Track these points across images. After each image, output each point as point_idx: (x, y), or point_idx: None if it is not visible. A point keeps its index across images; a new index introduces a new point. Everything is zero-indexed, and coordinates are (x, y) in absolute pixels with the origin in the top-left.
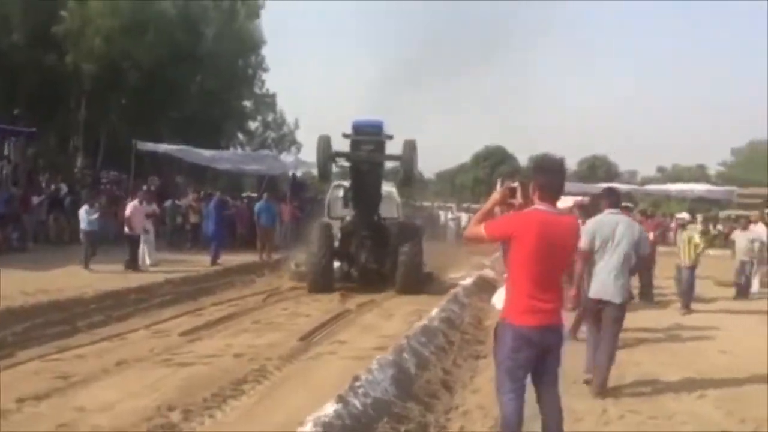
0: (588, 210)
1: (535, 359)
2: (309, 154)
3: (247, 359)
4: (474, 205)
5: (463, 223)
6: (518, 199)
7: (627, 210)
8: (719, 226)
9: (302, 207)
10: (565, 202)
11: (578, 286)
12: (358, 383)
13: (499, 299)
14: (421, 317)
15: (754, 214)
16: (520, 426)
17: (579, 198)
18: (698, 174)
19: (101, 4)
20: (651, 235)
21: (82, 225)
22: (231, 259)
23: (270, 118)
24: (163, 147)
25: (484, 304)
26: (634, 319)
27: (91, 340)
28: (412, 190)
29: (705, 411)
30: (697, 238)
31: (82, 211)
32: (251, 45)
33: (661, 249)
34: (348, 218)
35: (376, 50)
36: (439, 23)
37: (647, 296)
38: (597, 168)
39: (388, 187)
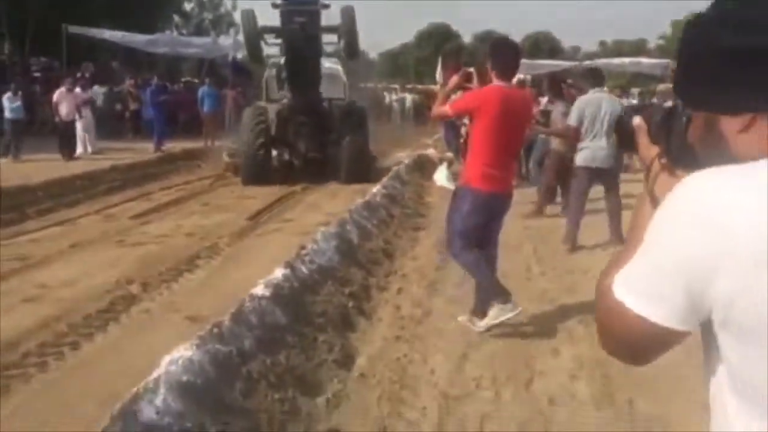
0: (553, 87)
1: (484, 224)
2: None
3: (198, 238)
4: (418, 86)
5: (408, 104)
6: (474, 83)
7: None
8: (654, 100)
9: (245, 92)
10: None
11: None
12: (304, 251)
13: (439, 176)
14: (365, 196)
15: None
16: (487, 263)
17: (521, 76)
18: (638, 48)
19: None
20: None
21: (6, 113)
22: (175, 145)
23: None
24: (97, 31)
25: (425, 181)
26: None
27: (43, 225)
28: (357, 69)
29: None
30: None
31: (5, 99)
32: None
33: None
34: (285, 101)
35: None
36: None
37: None
38: (541, 44)
39: (331, 65)
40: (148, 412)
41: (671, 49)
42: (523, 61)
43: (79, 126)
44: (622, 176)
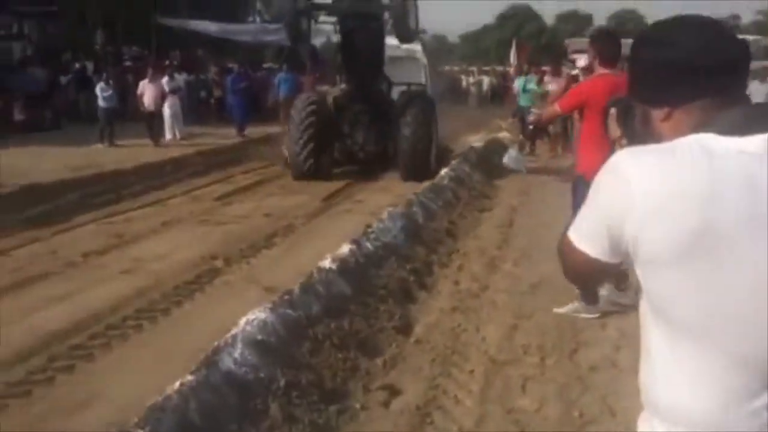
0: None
1: None
2: None
3: (275, 218)
4: (498, 68)
5: (485, 87)
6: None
7: None
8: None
9: (325, 78)
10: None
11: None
12: (370, 230)
13: (509, 158)
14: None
15: None
16: None
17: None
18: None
19: None
20: None
21: (99, 102)
22: (256, 130)
23: None
24: (182, 21)
25: (496, 163)
26: None
27: (136, 206)
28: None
29: None
30: None
31: (98, 89)
32: None
33: None
34: (342, 87)
35: None
36: None
37: None
38: (626, 22)
39: (410, 46)
40: (227, 363)
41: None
42: None
43: (167, 113)
44: None
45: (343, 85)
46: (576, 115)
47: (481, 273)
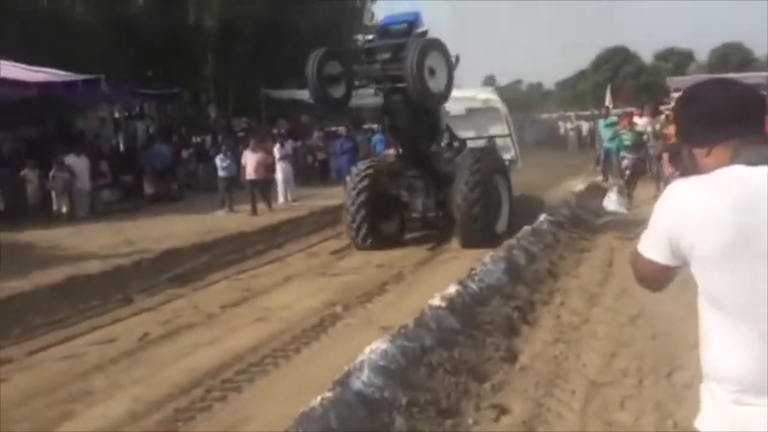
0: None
1: None
2: None
3: (386, 268)
4: (595, 111)
5: (584, 132)
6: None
7: None
8: None
9: None
10: None
11: None
12: (474, 272)
13: (609, 201)
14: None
15: None
16: None
17: None
18: None
19: None
20: None
21: (219, 172)
22: None
23: None
24: (287, 93)
25: (595, 206)
26: None
27: (260, 263)
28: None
29: None
30: None
31: (217, 160)
32: None
33: None
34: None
35: None
36: None
37: None
38: (730, 56)
39: (487, 95)
40: (356, 384)
41: None
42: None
43: (279, 178)
44: None
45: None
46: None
47: (581, 308)
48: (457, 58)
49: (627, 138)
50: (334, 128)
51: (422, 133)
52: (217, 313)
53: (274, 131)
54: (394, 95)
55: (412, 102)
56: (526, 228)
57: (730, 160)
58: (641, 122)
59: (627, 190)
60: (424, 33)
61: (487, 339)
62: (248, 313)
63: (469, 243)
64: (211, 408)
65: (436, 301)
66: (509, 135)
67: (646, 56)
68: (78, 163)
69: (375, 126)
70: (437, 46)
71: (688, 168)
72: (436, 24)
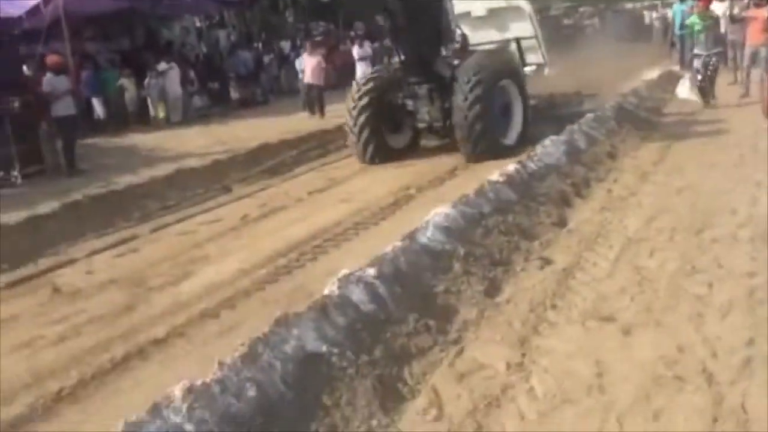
0: None
1: None
2: None
3: (455, 157)
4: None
5: (669, 21)
6: None
7: None
8: None
9: None
10: None
11: None
12: (533, 153)
13: (682, 89)
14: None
15: None
16: None
17: None
18: None
19: None
20: None
21: (300, 76)
22: None
23: None
24: None
25: (667, 95)
26: None
27: (340, 157)
28: None
29: None
30: None
31: (297, 63)
32: None
33: None
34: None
35: None
36: None
37: None
38: None
39: None
40: (422, 238)
41: None
42: None
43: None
44: None
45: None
46: None
47: (632, 183)
48: None
49: (698, 24)
50: None
51: (425, 36)
52: (305, 197)
53: (352, 33)
54: None
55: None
56: (589, 115)
57: None
58: (720, 5)
59: (703, 89)
60: None
61: (541, 208)
62: (332, 196)
63: (471, 154)
64: (304, 266)
65: (495, 177)
66: (535, 36)
67: None
68: (169, 71)
69: None
70: None
71: None
72: None
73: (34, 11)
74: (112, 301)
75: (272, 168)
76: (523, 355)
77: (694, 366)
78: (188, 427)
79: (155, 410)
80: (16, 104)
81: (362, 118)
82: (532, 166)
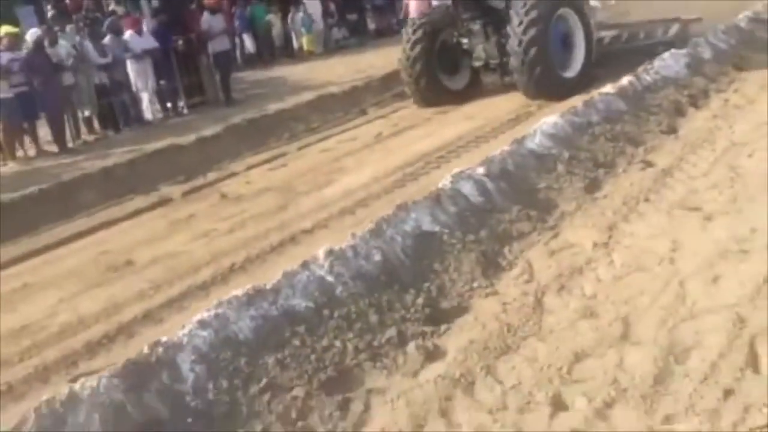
0: None
1: None
2: None
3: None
4: None
5: None
6: None
7: None
8: None
9: None
10: None
11: None
12: (650, 66)
13: None
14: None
15: None
16: None
17: None
18: None
19: None
20: None
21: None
22: None
23: None
24: None
25: None
26: None
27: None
28: None
29: None
30: None
31: None
32: None
33: None
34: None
35: None
36: None
37: None
38: None
39: None
40: (530, 144)
41: None
42: None
43: None
44: None
45: None
46: None
47: (752, 93)
48: None
49: None
50: None
51: None
52: (433, 117)
53: None
54: None
55: None
56: (719, 25)
57: None
58: None
59: None
60: None
61: (651, 117)
62: (457, 115)
63: (531, 93)
64: (429, 173)
65: (607, 89)
66: None
67: None
68: (312, 4)
69: None
70: None
71: None
72: None
73: None
74: (268, 203)
75: (403, 92)
76: (610, 237)
77: (762, 242)
78: (329, 278)
79: (304, 265)
80: (180, 42)
81: (414, 56)
82: (647, 78)
